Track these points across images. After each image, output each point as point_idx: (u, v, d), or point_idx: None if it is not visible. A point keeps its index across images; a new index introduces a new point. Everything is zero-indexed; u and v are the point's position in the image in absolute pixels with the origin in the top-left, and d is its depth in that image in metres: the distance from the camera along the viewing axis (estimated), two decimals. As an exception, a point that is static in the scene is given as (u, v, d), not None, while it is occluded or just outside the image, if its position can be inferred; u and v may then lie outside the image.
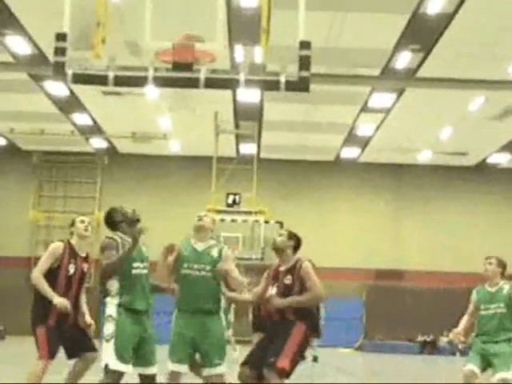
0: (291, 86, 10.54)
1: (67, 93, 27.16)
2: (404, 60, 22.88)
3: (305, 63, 10.31)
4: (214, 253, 9.70)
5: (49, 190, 36.71)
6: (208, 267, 9.60)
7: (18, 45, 22.79)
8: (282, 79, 10.47)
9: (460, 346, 32.93)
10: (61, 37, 10.33)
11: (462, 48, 21.54)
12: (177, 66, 10.48)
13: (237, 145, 33.99)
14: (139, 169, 36.34)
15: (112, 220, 10.01)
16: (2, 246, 35.43)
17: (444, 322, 33.67)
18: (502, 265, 12.32)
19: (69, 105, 29.06)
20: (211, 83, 10.63)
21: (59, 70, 10.28)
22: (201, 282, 9.59)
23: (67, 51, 10.38)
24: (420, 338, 34.25)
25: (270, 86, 11.10)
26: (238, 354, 24.50)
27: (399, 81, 24.84)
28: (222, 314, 9.52)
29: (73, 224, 11.02)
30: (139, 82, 10.85)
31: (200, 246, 9.68)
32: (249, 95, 26.33)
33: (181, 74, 10.51)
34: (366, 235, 35.28)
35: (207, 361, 9.40)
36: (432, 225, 35.55)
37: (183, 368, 9.40)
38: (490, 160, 35.16)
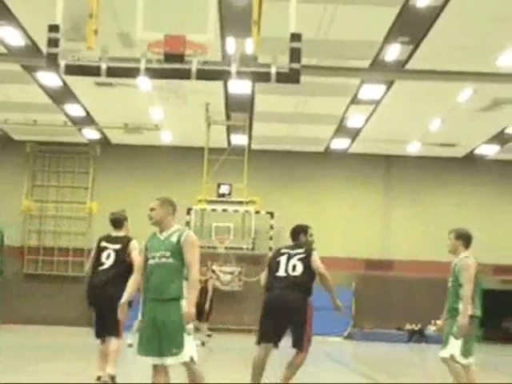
0: (282, 78, 10.60)
1: (60, 84, 27.13)
2: (393, 52, 22.89)
3: (295, 55, 10.37)
4: (174, 238, 9.60)
5: (42, 180, 36.70)
6: (168, 253, 9.51)
7: (11, 36, 22.71)
8: (273, 71, 10.53)
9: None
10: (53, 28, 10.36)
11: (451, 40, 21.59)
12: (168, 57, 10.52)
13: (228, 136, 34.01)
14: (131, 159, 36.35)
15: None
16: (-5, 235, 35.40)
17: (432, 311, 33.87)
18: (462, 236, 11.83)
19: (61, 95, 29.02)
20: (203, 74, 10.69)
21: (52, 61, 10.31)
22: (161, 269, 9.52)
23: (60, 42, 10.41)
24: (408, 327, 34.36)
25: (261, 77, 11.17)
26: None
27: (389, 73, 24.87)
28: (183, 302, 9.44)
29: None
30: (131, 72, 10.92)
31: (163, 235, 9.65)
32: (240, 86, 26.32)
33: (172, 65, 10.56)
34: (356, 225, 35.33)
35: (165, 350, 9.38)
36: (421, 215, 35.65)
37: (152, 360, 9.34)
38: (478, 151, 35.24)
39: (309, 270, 11.85)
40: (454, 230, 11.90)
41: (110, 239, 12.86)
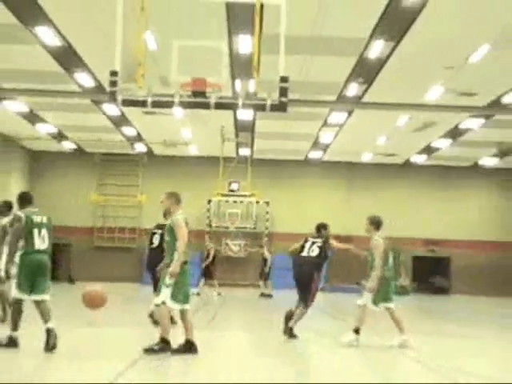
0: (274, 108, 10.56)
1: (119, 113, 27.08)
2: (353, 90, 22.79)
3: (284, 92, 10.34)
4: (168, 222, 10.05)
5: (105, 180, 36.61)
6: (166, 233, 9.96)
7: (84, 79, 22.65)
8: (268, 103, 10.48)
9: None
10: (113, 73, 10.33)
11: (394, 82, 21.54)
12: (194, 94, 10.47)
13: (237, 148, 33.91)
14: (169, 165, 36.29)
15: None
16: (74, 219, 35.44)
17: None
18: (374, 222, 11.97)
19: (120, 121, 28.96)
20: (218, 106, 10.64)
21: (113, 97, 10.29)
22: (165, 244, 10.01)
23: (118, 83, 10.35)
24: (363, 283, 34.20)
25: (260, 107, 11.14)
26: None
27: (349, 104, 24.76)
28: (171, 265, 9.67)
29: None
30: (168, 105, 10.87)
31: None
32: (245, 114, 26.22)
33: (197, 99, 10.50)
34: (327, 211, 35.10)
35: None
36: (373, 203, 35.43)
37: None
38: (412, 159, 35.15)
39: (323, 253, 12.72)
40: (368, 217, 12.16)
41: (158, 226, 13.45)
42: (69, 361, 9.02)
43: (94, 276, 32.55)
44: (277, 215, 35.48)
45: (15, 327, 9.45)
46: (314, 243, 12.68)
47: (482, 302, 30.43)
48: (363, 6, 16.16)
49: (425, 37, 17.80)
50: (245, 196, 33.97)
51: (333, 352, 11.31)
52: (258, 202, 34.38)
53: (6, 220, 11.22)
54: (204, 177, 35.08)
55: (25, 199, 9.94)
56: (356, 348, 11.25)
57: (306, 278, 12.46)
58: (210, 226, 34.35)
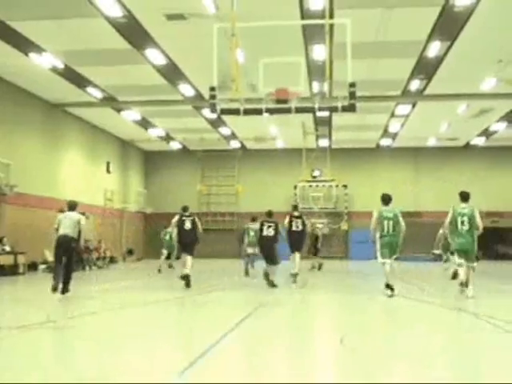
0: (345, 109, 10.95)
1: (215, 116, 27.54)
2: (415, 85, 22.74)
3: (352, 95, 10.71)
4: None
5: (208, 173, 37.49)
6: None
7: (185, 89, 23.47)
8: (340, 105, 10.88)
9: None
10: (212, 89, 10.98)
11: (451, 76, 21.33)
12: (278, 101, 11.00)
13: (316, 140, 34.09)
14: (260, 158, 36.74)
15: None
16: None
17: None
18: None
19: (217, 122, 29.65)
20: (298, 110, 11.12)
21: (213, 108, 10.94)
22: None
23: (216, 96, 11.02)
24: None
25: (333, 109, 11.58)
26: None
27: (413, 98, 24.64)
28: None
29: None
30: (257, 112, 11.43)
31: None
32: (322, 113, 26.31)
33: (280, 105, 11.04)
34: (397, 190, 34.90)
35: None
36: (438, 182, 35.02)
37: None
38: (472, 142, 34.47)
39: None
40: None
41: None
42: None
43: (201, 253, 33.65)
44: (354, 196, 35.59)
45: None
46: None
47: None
48: (420, 12, 16.28)
49: (476, 36, 17.70)
50: (326, 181, 34.29)
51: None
52: (337, 186, 34.67)
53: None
54: (290, 166, 35.47)
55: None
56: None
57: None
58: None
